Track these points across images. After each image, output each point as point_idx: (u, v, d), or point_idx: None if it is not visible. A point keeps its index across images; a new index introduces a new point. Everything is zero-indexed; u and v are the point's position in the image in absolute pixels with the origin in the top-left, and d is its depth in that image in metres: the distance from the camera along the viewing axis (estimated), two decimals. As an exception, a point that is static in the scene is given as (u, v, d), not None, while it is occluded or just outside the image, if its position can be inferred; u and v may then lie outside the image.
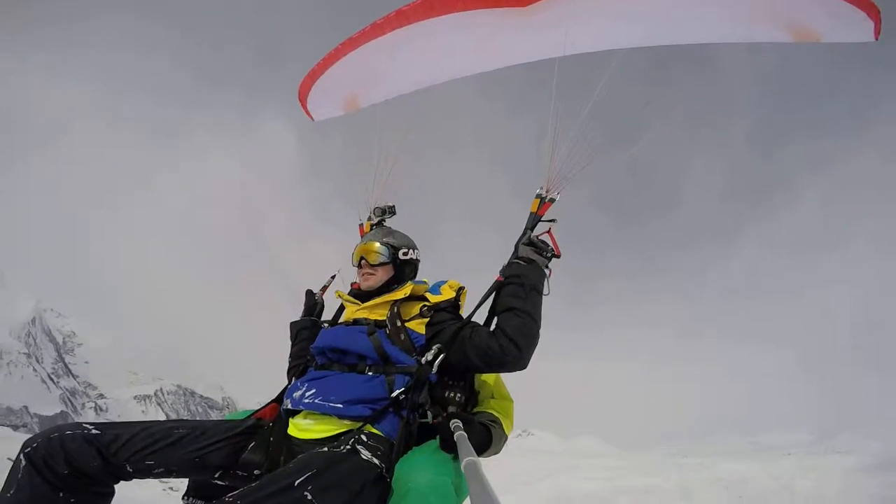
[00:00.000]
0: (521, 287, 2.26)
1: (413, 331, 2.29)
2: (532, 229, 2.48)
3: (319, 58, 3.08)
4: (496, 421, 2.26)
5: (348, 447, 1.86)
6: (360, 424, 2.01)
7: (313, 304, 2.81)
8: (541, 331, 2.22)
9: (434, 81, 3.03)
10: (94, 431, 1.79)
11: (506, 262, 2.43)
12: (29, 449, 1.69)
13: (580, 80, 2.59)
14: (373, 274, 2.46)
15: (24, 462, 1.68)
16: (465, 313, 2.46)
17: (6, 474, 1.70)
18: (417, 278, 2.61)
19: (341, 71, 3.05)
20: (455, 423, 1.94)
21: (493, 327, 2.27)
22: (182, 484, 2.11)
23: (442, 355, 2.18)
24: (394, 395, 2.06)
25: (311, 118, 3.46)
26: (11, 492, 1.66)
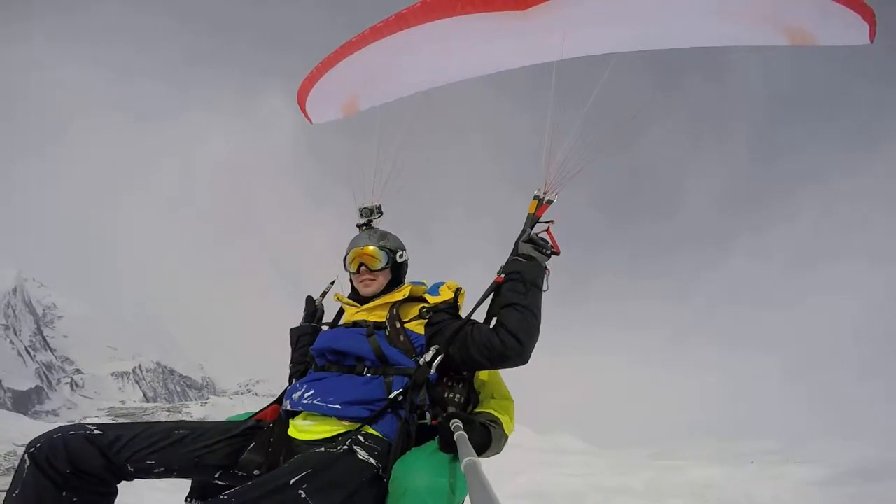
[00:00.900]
0: (521, 283, 2.26)
1: (412, 332, 2.30)
2: (531, 230, 2.49)
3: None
4: (496, 421, 2.26)
5: (345, 447, 1.87)
6: (358, 425, 2.02)
7: (313, 310, 2.80)
8: (541, 326, 2.24)
9: (433, 84, 3.03)
10: (96, 432, 1.81)
11: (504, 261, 2.44)
12: (33, 449, 1.72)
13: (578, 84, 2.59)
14: (374, 280, 2.46)
15: (28, 462, 1.71)
16: (464, 313, 2.45)
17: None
18: (415, 279, 2.63)
19: (340, 74, 3.04)
20: (455, 423, 1.95)
21: (493, 324, 2.28)
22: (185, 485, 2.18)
23: (440, 356, 2.19)
24: (392, 396, 2.08)
25: (310, 121, 3.46)
26: (17, 491, 1.68)
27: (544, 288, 2.33)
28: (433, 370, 2.18)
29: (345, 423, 2.05)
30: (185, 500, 2.10)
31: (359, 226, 2.82)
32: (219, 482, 2.03)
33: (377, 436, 2.01)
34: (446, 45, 2.80)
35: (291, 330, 2.74)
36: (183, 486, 2.14)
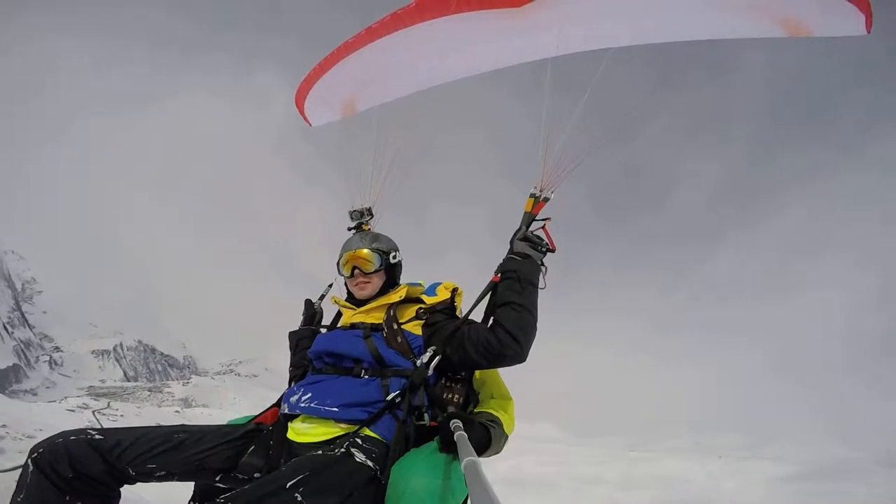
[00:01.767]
0: (517, 281, 2.26)
1: (410, 333, 2.30)
2: (528, 228, 2.49)
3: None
4: (496, 421, 2.25)
5: (342, 450, 1.86)
6: (356, 427, 2.02)
7: (312, 313, 2.80)
8: (538, 324, 2.24)
9: (430, 84, 3.04)
10: (97, 437, 1.84)
11: (501, 261, 2.43)
12: (36, 454, 1.75)
13: (574, 80, 2.59)
14: (368, 282, 2.46)
15: (31, 467, 1.74)
16: (461, 314, 2.46)
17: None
18: (412, 280, 2.62)
19: (337, 76, 3.05)
20: (455, 423, 1.95)
21: (490, 322, 2.27)
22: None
23: (438, 357, 2.19)
24: (389, 398, 2.07)
25: (309, 124, 3.45)
26: (21, 496, 1.72)
27: (541, 286, 2.33)
28: (431, 371, 2.17)
29: (343, 425, 2.05)
30: None
31: (350, 229, 2.82)
32: (220, 485, 2.04)
33: (375, 438, 2.01)
34: (443, 44, 2.80)
35: (290, 333, 2.74)
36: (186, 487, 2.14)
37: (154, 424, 2.10)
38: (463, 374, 2.36)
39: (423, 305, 2.41)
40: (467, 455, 1.38)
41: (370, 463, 1.86)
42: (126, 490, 1.94)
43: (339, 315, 2.63)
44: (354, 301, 2.53)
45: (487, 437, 2.13)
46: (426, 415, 2.14)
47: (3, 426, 14.27)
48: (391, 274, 2.55)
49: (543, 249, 2.41)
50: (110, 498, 1.90)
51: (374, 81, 3.09)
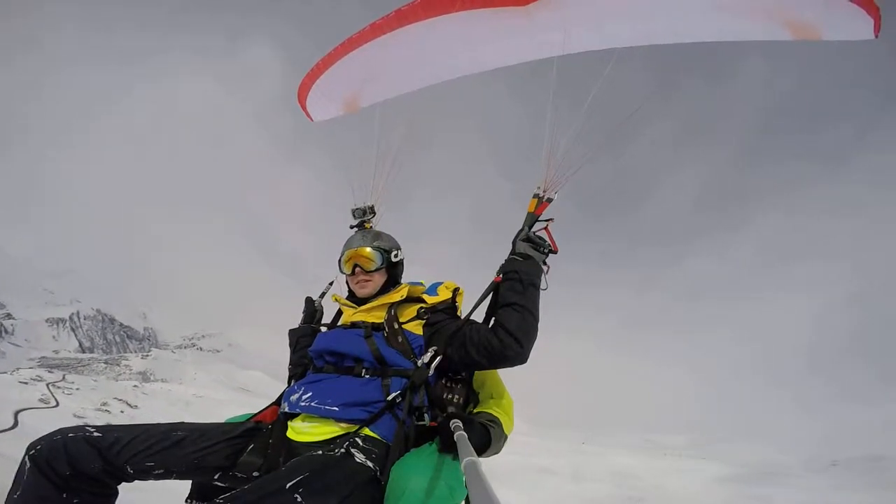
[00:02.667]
0: (519, 282, 2.25)
1: (411, 333, 2.29)
2: (530, 228, 2.48)
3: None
4: (495, 421, 2.25)
5: (342, 450, 1.86)
6: (356, 427, 2.01)
7: (312, 311, 2.79)
8: (539, 325, 2.23)
9: (434, 81, 3.03)
10: (95, 434, 1.83)
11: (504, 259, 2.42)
12: (33, 451, 1.74)
13: (578, 80, 2.57)
14: (369, 281, 2.46)
15: (28, 464, 1.72)
16: (462, 313, 2.45)
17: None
18: (413, 280, 2.61)
19: (340, 71, 3.05)
20: (455, 423, 1.96)
21: (491, 323, 2.26)
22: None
23: (439, 357, 2.18)
24: (390, 398, 2.06)
25: (311, 119, 3.44)
26: (18, 493, 1.71)
27: (543, 287, 2.33)
28: (432, 371, 2.16)
29: (343, 425, 2.04)
30: (185, 501, 2.10)
31: (352, 227, 2.81)
32: (218, 483, 2.03)
33: (375, 438, 2.00)
34: (446, 42, 2.79)
35: (290, 331, 2.73)
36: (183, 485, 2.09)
37: (151, 423, 2.06)
38: (463, 374, 2.36)
39: (424, 305, 2.41)
40: (467, 455, 1.38)
41: (370, 463, 1.85)
42: (124, 487, 1.93)
43: (339, 314, 2.63)
44: (355, 299, 2.53)
45: (487, 438, 2.14)
46: (426, 415, 2.13)
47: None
48: (392, 273, 2.54)
49: (545, 250, 2.41)
50: (108, 496, 1.89)
51: (377, 78, 3.09)
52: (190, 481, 2.10)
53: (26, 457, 1.75)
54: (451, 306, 2.42)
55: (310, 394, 2.11)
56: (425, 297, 2.46)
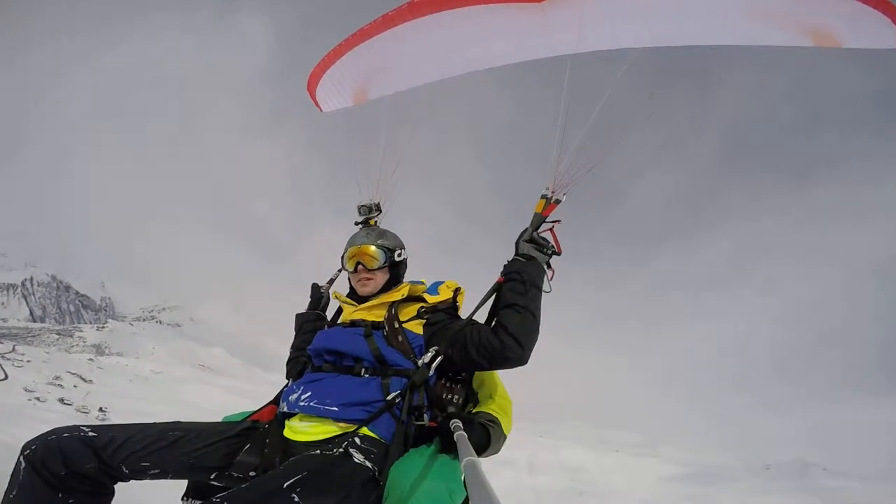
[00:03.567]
0: (521, 283, 2.24)
1: (411, 332, 2.26)
2: (536, 229, 2.46)
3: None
4: (495, 421, 2.25)
5: (341, 450, 1.84)
6: (355, 427, 1.99)
7: (319, 297, 2.79)
8: (540, 327, 2.22)
9: (445, 75, 2.99)
10: (90, 434, 1.80)
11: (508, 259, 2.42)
12: (28, 451, 1.72)
13: (590, 81, 2.56)
14: (371, 279, 2.43)
15: (23, 464, 1.70)
16: (463, 313, 2.44)
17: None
18: (414, 279, 2.60)
19: (351, 63, 3.01)
20: (455, 423, 1.95)
21: (493, 324, 2.25)
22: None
23: (440, 357, 2.16)
24: (389, 397, 2.04)
25: (321, 109, 3.39)
26: (14, 493, 1.68)
27: (546, 288, 2.33)
28: (432, 371, 2.15)
29: (342, 424, 2.01)
30: (182, 500, 2.07)
31: (357, 223, 2.80)
32: (214, 483, 2.00)
33: (374, 438, 1.98)
34: (458, 36, 2.75)
35: (297, 315, 2.74)
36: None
37: (151, 422, 2.04)
38: (463, 374, 2.36)
39: (424, 304, 2.39)
40: (467, 455, 1.37)
41: (368, 464, 1.84)
42: (120, 487, 1.92)
43: (339, 311, 2.61)
44: (356, 297, 2.51)
45: (487, 438, 2.14)
46: (426, 415, 2.12)
47: None
48: (395, 272, 2.52)
49: (549, 252, 2.41)
50: (104, 495, 1.86)
51: (388, 70, 3.05)
52: (186, 481, 2.08)
53: (21, 457, 1.73)
54: (451, 306, 2.42)
55: (309, 393, 2.09)
56: (426, 296, 2.44)
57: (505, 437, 2.31)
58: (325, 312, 2.75)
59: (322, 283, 2.86)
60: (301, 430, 2.05)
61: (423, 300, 2.43)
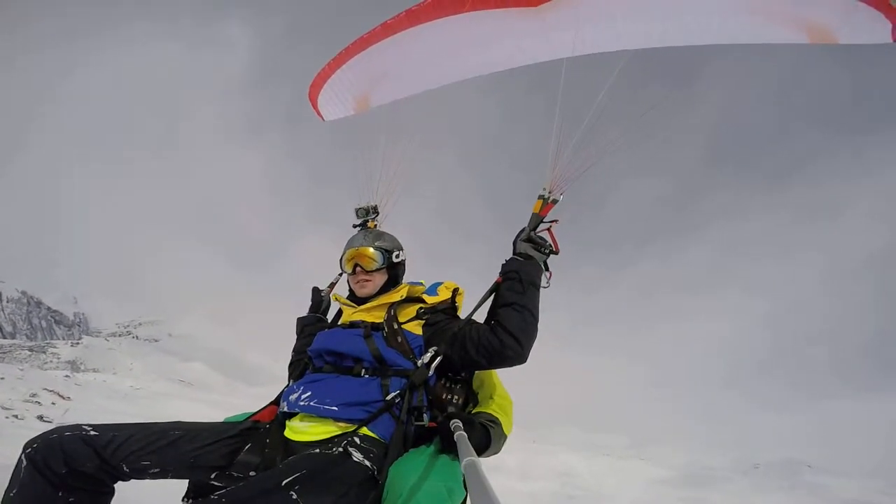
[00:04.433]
0: (519, 283, 2.26)
1: (410, 333, 2.27)
2: (534, 229, 2.48)
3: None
4: (495, 421, 2.26)
5: (340, 449, 1.84)
6: (354, 427, 1.99)
7: (319, 300, 2.80)
8: (539, 325, 2.24)
9: (445, 82, 3.02)
10: (92, 433, 1.81)
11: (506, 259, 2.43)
12: (30, 450, 1.72)
13: (586, 82, 2.55)
14: (369, 280, 2.45)
15: (24, 462, 1.71)
16: (462, 313, 2.44)
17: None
18: (413, 279, 2.61)
19: (352, 71, 3.04)
20: (455, 423, 1.95)
21: (492, 323, 2.26)
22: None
23: (439, 358, 2.17)
24: (389, 398, 2.05)
25: (322, 118, 3.41)
26: (14, 491, 1.69)
27: (544, 285, 2.35)
28: (432, 371, 2.15)
29: (341, 424, 2.02)
30: (182, 500, 2.06)
31: (355, 226, 2.81)
32: (215, 483, 2.00)
33: (373, 437, 1.98)
34: (457, 42, 2.77)
35: (298, 319, 2.74)
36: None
37: (151, 421, 2.03)
38: (463, 374, 2.36)
39: (423, 305, 2.40)
40: (467, 455, 1.38)
41: (367, 463, 1.84)
42: (120, 485, 1.92)
43: (339, 313, 2.62)
44: (355, 299, 2.52)
45: (487, 438, 2.14)
46: (425, 415, 2.12)
47: None
48: (393, 273, 2.53)
49: (547, 251, 2.43)
50: (104, 494, 1.86)
51: (389, 78, 3.07)
52: (187, 480, 2.07)
53: (23, 455, 1.73)
54: (450, 306, 2.43)
55: (309, 393, 2.10)
56: (425, 297, 2.46)
57: (505, 437, 2.31)
58: (325, 315, 2.75)
59: (322, 286, 2.86)
60: (301, 429, 2.05)
61: (422, 301, 2.44)
